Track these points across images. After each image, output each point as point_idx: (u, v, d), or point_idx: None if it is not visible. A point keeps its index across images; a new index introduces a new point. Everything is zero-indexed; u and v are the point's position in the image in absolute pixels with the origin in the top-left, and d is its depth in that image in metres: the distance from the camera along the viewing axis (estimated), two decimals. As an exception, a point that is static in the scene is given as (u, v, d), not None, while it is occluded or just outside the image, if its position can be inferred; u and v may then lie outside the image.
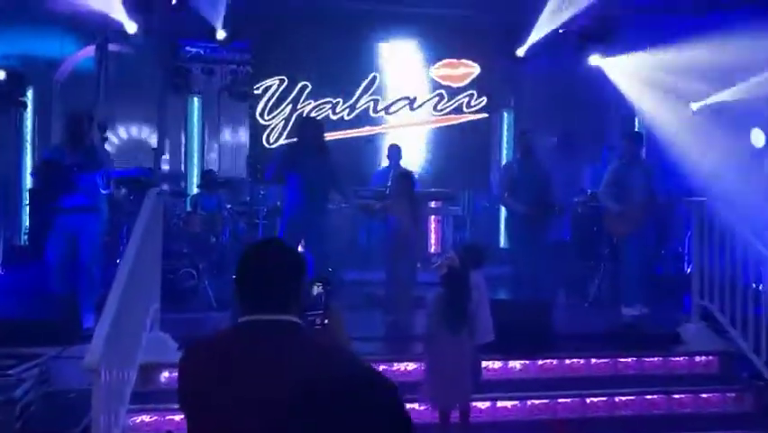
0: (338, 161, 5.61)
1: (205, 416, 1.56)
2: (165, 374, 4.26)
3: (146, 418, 3.93)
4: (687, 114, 8.04)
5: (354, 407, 1.18)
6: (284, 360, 1.49)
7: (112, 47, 7.73)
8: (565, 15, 7.90)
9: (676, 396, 4.53)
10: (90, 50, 7.84)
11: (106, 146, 7.21)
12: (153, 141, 8.83)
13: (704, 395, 4.56)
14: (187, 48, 8.73)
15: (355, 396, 1.20)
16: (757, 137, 7.41)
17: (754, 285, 4.75)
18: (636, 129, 8.77)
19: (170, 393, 4.04)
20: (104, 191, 4.95)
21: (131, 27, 7.18)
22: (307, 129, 5.41)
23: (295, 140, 5.23)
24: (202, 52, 8.78)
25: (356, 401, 1.19)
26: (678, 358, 4.86)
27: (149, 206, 4.16)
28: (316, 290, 2.13)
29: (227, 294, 6.15)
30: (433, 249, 8.28)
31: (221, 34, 7.79)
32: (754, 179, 6.91)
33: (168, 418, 3.96)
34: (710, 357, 4.88)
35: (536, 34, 8.32)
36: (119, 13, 7.08)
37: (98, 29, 7.30)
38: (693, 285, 5.12)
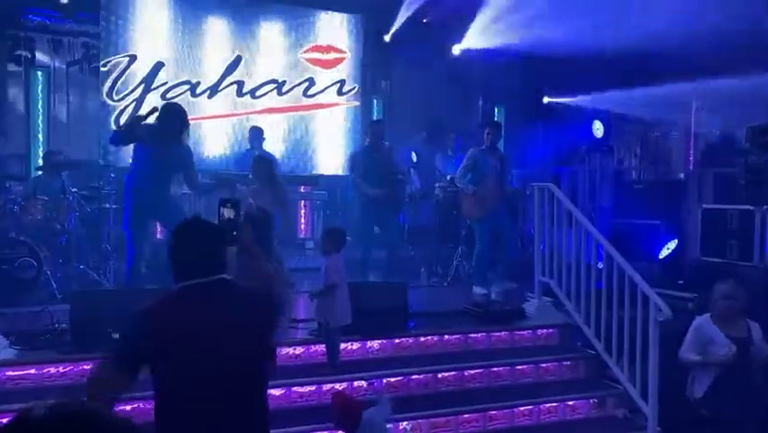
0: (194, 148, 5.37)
1: (187, 354, 2.14)
2: (-9, 374, 3.88)
3: (-33, 422, 3.56)
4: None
5: (259, 307, 2.35)
6: (229, 304, 2.27)
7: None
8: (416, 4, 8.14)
9: (519, 367, 4.87)
10: None
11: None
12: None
13: (544, 365, 4.94)
14: (31, 16, 7.95)
15: (259, 301, 2.37)
16: (597, 129, 8.12)
17: (588, 264, 5.20)
18: (495, 119, 9.32)
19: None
20: None
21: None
22: (171, 116, 5.06)
23: (154, 122, 4.92)
24: (48, 22, 8.03)
25: (259, 303, 2.36)
26: (522, 332, 5.22)
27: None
28: (227, 212, 2.47)
29: (75, 284, 5.73)
30: (303, 234, 8.28)
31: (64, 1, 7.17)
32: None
33: (-5, 420, 3.63)
34: (551, 330, 5.30)
35: (399, 21, 8.52)
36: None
37: None
38: (536, 264, 5.52)
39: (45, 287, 5.54)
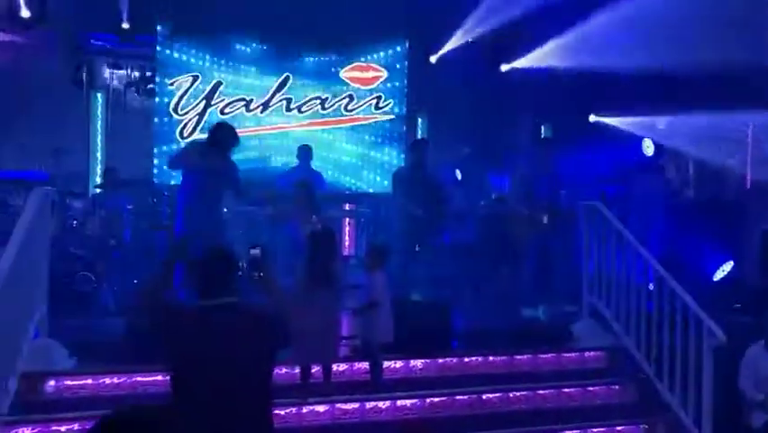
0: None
1: (190, 364, 2.52)
2: (51, 383, 4.05)
3: (27, 430, 3.72)
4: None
5: (264, 331, 2.68)
6: (236, 324, 2.63)
7: (4, 36, 7.26)
8: (478, 32, 8.21)
9: (566, 390, 4.77)
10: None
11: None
12: (53, 138, 8.36)
13: (591, 388, 4.83)
14: (93, 41, 8.36)
15: (266, 325, 2.70)
16: (647, 147, 7.94)
17: (638, 285, 5.07)
18: (544, 136, 9.23)
19: (57, 403, 3.94)
20: None
21: (24, 11, 6.74)
22: (219, 132, 5.34)
23: (205, 140, 5.20)
24: (108, 45, 8.43)
25: (265, 328, 2.69)
26: (569, 354, 5.11)
27: (33, 205, 3.96)
28: (253, 252, 2.80)
29: (128, 299, 5.94)
30: (347, 252, 8.34)
31: (125, 26, 7.54)
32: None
33: (53, 428, 3.77)
34: (599, 352, 5.17)
35: (450, 45, 8.61)
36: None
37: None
38: (584, 284, 5.41)
39: (101, 300, 5.76)
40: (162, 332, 2.61)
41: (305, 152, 7.46)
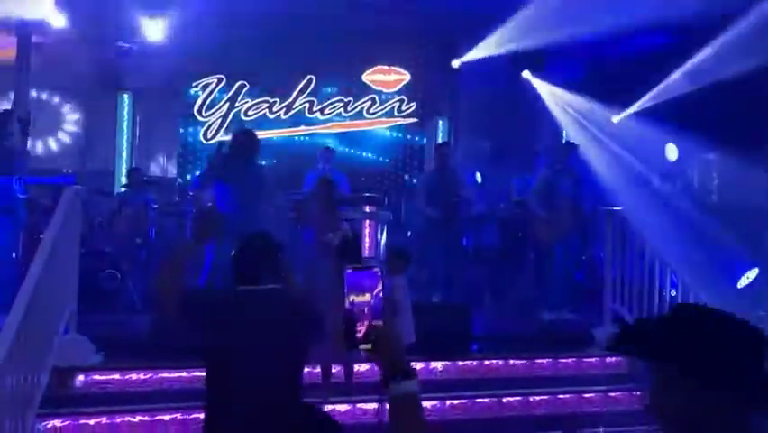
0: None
1: (227, 351, 2.44)
2: (80, 378, 4.15)
3: (57, 423, 3.81)
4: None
5: (304, 320, 2.65)
6: (274, 310, 2.57)
7: (36, 38, 7.43)
8: (507, 48, 8.22)
9: (587, 395, 4.75)
10: (12, 42, 7.51)
11: (27, 141, 6.92)
12: (80, 137, 8.55)
13: (613, 394, 4.80)
14: (120, 43, 8.51)
15: (302, 313, 2.66)
16: (671, 151, 7.87)
17: (659, 291, 5.04)
18: (566, 139, 9.19)
19: (86, 397, 4.03)
20: (21, 196, 4.83)
21: (58, 21, 6.94)
22: (241, 140, 5.31)
23: (227, 145, 5.19)
24: (134, 48, 8.57)
25: (301, 314, 2.65)
26: (590, 359, 5.09)
27: (64, 205, 4.05)
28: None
29: (152, 295, 6.03)
30: (367, 254, 8.38)
31: (153, 30, 7.67)
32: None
33: (81, 422, 3.87)
34: (620, 358, 5.14)
35: (476, 54, 8.63)
36: (45, 5, 6.83)
37: (20, 19, 7.01)
38: (606, 290, 5.39)
39: (127, 297, 5.87)
40: (196, 319, 2.48)
41: (326, 155, 7.51)
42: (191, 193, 6.70)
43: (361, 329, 1.37)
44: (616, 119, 8.58)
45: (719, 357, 1.19)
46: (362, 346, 1.37)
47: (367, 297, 1.39)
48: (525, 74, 9.11)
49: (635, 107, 8.29)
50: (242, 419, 2.39)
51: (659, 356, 1.23)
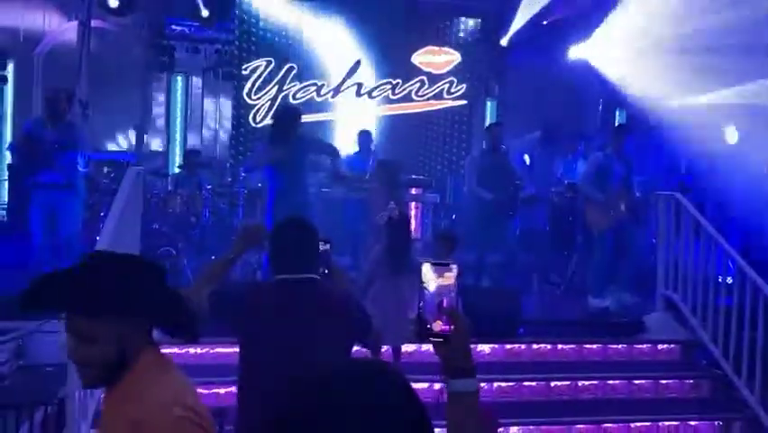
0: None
1: (270, 339, 2.30)
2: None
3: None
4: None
5: (345, 311, 2.42)
6: (314, 302, 2.38)
7: (95, 23, 7.66)
8: (539, 5, 8.02)
9: (637, 382, 4.70)
10: (73, 26, 7.77)
11: (87, 123, 7.20)
12: (136, 119, 8.81)
13: (663, 382, 4.74)
14: (173, 26, 8.71)
15: (346, 306, 2.44)
16: (731, 134, 7.58)
17: (716, 278, 4.91)
18: (619, 122, 8.96)
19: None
20: (82, 169, 5.00)
21: (113, 1, 7.14)
22: (285, 117, 5.31)
23: (271, 126, 5.22)
24: (187, 31, 8.76)
25: (345, 308, 2.43)
26: (641, 346, 5.03)
27: (128, 184, 4.21)
28: (321, 246, 2.54)
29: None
30: (413, 235, 8.40)
31: (204, 13, 7.82)
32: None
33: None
34: (672, 345, 5.06)
35: (517, 23, 8.44)
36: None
37: (81, 3, 7.24)
38: (659, 276, 5.29)
39: (182, 275, 6.07)
40: (233, 309, 2.37)
41: (365, 137, 7.46)
42: (243, 175, 6.82)
43: (438, 321, 1.30)
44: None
45: (129, 289, 1.44)
46: (434, 339, 1.31)
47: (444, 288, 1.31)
48: (574, 51, 8.89)
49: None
50: (270, 408, 2.33)
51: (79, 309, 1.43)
